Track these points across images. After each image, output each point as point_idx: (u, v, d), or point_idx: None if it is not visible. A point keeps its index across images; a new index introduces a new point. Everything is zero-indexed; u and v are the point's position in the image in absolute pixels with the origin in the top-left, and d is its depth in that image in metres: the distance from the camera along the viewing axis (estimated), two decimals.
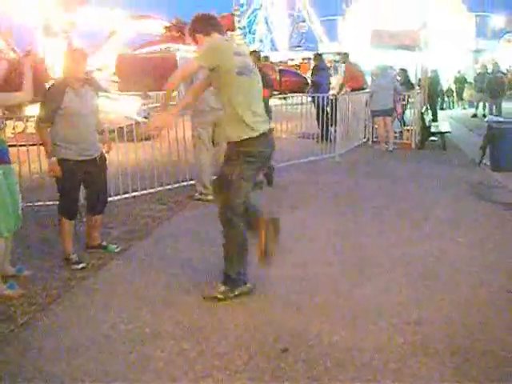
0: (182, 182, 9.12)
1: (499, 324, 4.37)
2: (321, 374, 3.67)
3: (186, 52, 21.28)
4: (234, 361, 3.84)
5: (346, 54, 16.48)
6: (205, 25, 4.81)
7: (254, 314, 4.56)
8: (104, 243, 6.20)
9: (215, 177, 5.23)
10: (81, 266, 5.65)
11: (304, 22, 69.42)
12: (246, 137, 4.57)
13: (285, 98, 15.05)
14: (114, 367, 3.81)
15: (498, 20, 54.00)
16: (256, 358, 3.87)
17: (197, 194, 8.37)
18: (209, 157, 8.33)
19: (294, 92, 11.45)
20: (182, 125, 9.19)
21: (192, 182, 8.76)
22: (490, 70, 26.07)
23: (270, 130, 4.86)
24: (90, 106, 5.72)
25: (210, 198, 8.16)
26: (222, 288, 4.81)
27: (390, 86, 13.73)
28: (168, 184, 8.95)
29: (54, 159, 5.53)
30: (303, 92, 17.52)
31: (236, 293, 4.82)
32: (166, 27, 28.73)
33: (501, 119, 12.34)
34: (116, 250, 6.14)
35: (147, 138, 9.59)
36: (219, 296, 4.79)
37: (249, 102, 4.61)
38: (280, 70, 32.44)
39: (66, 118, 5.50)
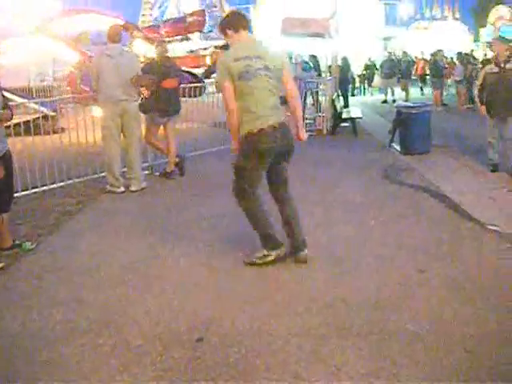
0: (93, 174, 8.90)
1: (412, 303, 4.47)
2: (236, 360, 3.66)
3: None
4: (149, 353, 3.78)
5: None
6: (234, 21, 5.26)
7: (167, 305, 4.50)
8: (17, 242, 5.95)
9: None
10: None
11: (215, 7, 68.71)
12: (246, 131, 5.01)
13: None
14: (25, 367, 3.68)
15: (406, 8, 55.54)
16: (171, 349, 3.83)
17: (108, 187, 8.21)
18: (118, 149, 8.19)
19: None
20: (91, 116, 8.98)
21: (103, 175, 8.56)
22: (399, 57, 26.94)
23: (274, 126, 5.00)
24: None
25: (122, 189, 8.09)
26: (261, 253, 5.30)
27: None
28: (78, 177, 8.71)
29: None
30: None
31: (273, 256, 5.28)
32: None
33: (409, 104, 12.65)
34: (31, 247, 5.92)
35: (55, 131, 9.29)
36: (257, 261, 5.28)
37: (247, 104, 4.97)
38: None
39: None
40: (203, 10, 30.85)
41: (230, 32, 5.20)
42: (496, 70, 8.88)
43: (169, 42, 30.26)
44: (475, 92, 9.59)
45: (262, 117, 4.97)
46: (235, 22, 5.23)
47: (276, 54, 5.27)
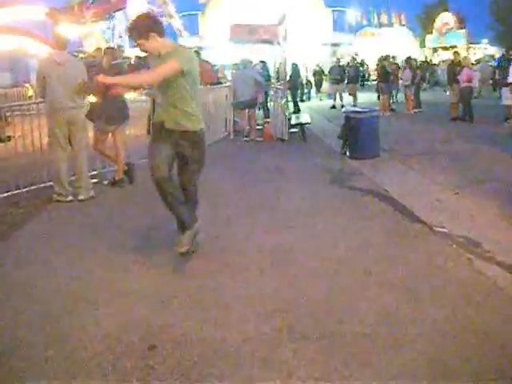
0: (40, 183, 8.72)
1: (361, 305, 4.52)
2: (189, 368, 3.64)
3: None
4: (100, 364, 3.72)
5: (196, 52, 16.63)
6: (160, 26, 5.22)
7: (117, 315, 4.44)
8: None
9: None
10: None
11: (163, 16, 68.36)
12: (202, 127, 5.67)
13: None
14: None
15: (353, 15, 56.25)
16: (123, 358, 3.78)
17: (55, 196, 8.06)
18: (65, 157, 8.08)
19: None
20: (38, 125, 8.82)
21: (50, 184, 8.41)
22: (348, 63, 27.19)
23: None
24: None
25: (69, 198, 7.96)
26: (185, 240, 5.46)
27: (251, 79, 13.99)
28: (25, 186, 8.52)
29: None
30: None
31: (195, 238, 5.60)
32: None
33: (357, 109, 12.81)
34: None
35: (1, 140, 9.09)
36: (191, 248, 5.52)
37: (197, 103, 5.52)
38: None
39: None
40: None
41: (154, 35, 5.06)
42: None
43: (94, 21, 30.43)
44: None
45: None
46: (160, 26, 5.18)
47: None
